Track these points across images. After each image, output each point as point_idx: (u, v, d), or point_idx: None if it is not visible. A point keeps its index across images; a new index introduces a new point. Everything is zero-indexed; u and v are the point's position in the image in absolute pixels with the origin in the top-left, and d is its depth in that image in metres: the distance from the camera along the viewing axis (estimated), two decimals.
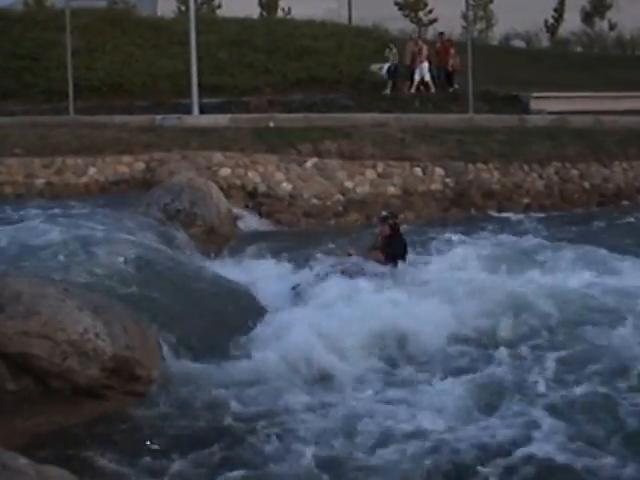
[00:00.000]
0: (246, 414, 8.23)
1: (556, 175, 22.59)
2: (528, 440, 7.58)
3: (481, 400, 8.51)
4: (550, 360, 9.41)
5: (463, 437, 7.64)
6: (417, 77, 28.92)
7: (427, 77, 28.95)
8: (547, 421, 7.96)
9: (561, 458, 7.26)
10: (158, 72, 29.93)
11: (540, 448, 7.41)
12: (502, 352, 9.68)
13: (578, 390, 8.62)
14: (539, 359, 9.50)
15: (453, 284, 11.45)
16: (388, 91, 28.99)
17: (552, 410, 8.20)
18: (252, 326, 10.62)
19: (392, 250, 12.30)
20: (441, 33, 31.91)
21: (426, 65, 28.97)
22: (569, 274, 12.23)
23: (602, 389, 8.60)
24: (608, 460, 7.25)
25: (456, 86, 29.03)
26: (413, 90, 28.90)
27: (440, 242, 14.80)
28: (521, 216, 20.70)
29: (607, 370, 9.07)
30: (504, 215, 20.92)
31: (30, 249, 11.49)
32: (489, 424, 7.97)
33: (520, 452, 7.34)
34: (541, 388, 8.77)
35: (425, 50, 29.15)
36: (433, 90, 28.88)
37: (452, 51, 29.37)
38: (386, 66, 29.37)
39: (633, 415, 8.07)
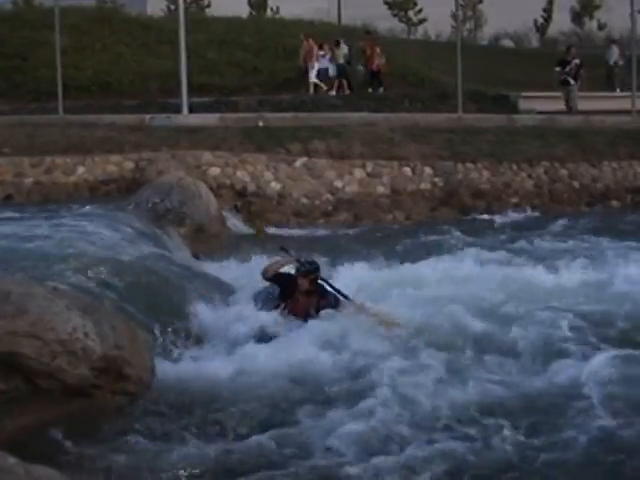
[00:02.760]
0: (232, 412, 8.25)
1: (545, 175, 22.62)
2: None
3: None
4: None
5: None
6: (311, 77, 28.73)
7: (313, 78, 28.71)
8: None
9: None
10: (147, 71, 29.93)
11: None
12: None
13: None
14: None
15: None
16: (334, 92, 28.94)
17: None
18: (234, 325, 10.66)
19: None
20: (367, 32, 31.65)
21: (317, 65, 28.75)
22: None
23: None
24: None
25: (381, 89, 28.84)
26: (311, 91, 28.68)
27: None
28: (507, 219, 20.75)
29: None
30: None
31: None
32: None
33: None
34: None
35: (316, 50, 28.89)
36: (312, 92, 28.62)
37: (377, 50, 29.17)
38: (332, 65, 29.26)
39: None
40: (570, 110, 26.59)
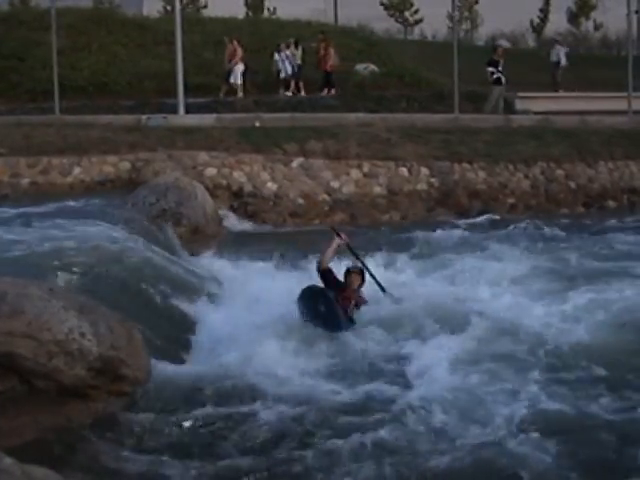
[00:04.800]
0: (227, 412, 8.25)
1: (542, 175, 22.63)
2: None
3: None
4: None
5: None
6: (232, 79, 28.46)
7: (238, 80, 28.52)
8: None
9: None
10: (143, 72, 29.89)
11: None
12: None
13: None
14: None
15: None
16: (290, 92, 28.81)
17: None
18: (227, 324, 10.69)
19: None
20: (321, 32, 31.55)
21: (241, 67, 28.55)
22: None
23: None
24: None
25: (332, 91, 28.72)
26: (222, 95, 28.25)
27: None
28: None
29: None
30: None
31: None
32: None
33: None
34: None
35: (240, 51, 28.72)
36: (241, 95, 28.33)
37: (331, 51, 29.03)
38: (289, 66, 29.10)
39: None
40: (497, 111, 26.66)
